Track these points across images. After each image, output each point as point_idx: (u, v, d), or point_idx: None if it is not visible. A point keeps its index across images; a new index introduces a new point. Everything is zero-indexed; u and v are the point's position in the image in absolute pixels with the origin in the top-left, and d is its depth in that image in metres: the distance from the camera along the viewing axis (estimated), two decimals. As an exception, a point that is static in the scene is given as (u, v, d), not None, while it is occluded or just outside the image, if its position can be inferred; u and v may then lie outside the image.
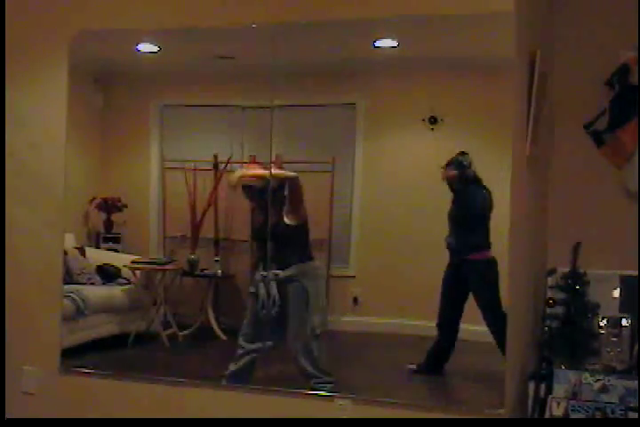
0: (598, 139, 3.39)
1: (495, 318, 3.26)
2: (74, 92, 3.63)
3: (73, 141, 3.68)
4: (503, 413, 3.00)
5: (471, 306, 3.54)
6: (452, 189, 3.63)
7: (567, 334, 3.11)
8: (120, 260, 4.21)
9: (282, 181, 3.65)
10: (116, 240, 4.29)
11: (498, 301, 3.24)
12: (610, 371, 3.01)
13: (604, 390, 2.93)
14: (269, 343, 3.63)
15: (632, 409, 2.86)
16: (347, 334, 3.99)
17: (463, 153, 3.60)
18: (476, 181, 3.58)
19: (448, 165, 3.62)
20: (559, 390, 2.97)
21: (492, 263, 3.37)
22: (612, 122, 3.35)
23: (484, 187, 3.55)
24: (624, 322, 3.17)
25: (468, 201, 3.63)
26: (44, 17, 3.64)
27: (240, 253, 4.24)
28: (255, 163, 3.89)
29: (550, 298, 3.22)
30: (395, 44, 3.71)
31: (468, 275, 3.57)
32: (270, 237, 3.64)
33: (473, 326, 3.57)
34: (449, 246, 3.59)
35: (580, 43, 3.45)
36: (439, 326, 3.59)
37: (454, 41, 3.47)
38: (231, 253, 4.25)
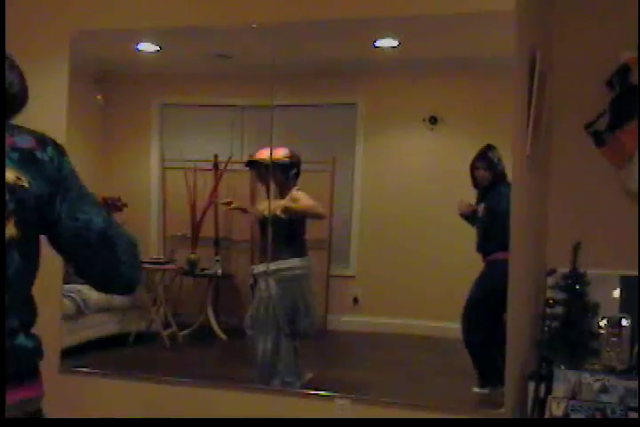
0: (598, 139, 3.39)
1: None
2: (74, 92, 3.62)
3: (73, 141, 3.67)
4: (503, 413, 3.00)
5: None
6: (480, 188, 3.46)
7: (567, 334, 3.11)
8: (120, 259, 4.20)
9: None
10: (116, 240, 4.28)
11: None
12: (610, 371, 3.01)
13: (603, 390, 2.93)
14: None
15: (632, 409, 2.86)
16: (346, 334, 3.99)
17: (491, 147, 3.40)
18: (504, 177, 3.28)
19: (476, 162, 3.45)
20: (559, 390, 2.97)
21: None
22: (612, 122, 3.35)
23: (509, 183, 3.15)
24: (624, 322, 3.16)
25: (501, 201, 3.20)
26: (44, 17, 3.63)
27: (240, 253, 4.25)
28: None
29: (550, 298, 3.21)
30: (395, 43, 3.71)
31: (489, 275, 3.37)
32: None
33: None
34: (480, 249, 3.42)
35: (580, 43, 3.45)
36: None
37: (454, 41, 3.47)
38: (231, 252, 4.25)
